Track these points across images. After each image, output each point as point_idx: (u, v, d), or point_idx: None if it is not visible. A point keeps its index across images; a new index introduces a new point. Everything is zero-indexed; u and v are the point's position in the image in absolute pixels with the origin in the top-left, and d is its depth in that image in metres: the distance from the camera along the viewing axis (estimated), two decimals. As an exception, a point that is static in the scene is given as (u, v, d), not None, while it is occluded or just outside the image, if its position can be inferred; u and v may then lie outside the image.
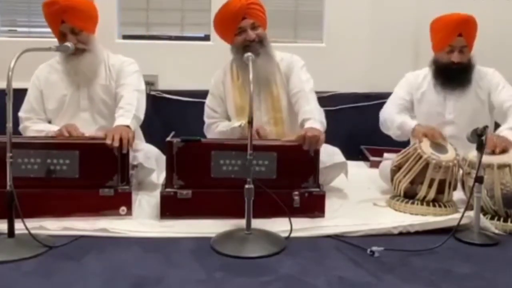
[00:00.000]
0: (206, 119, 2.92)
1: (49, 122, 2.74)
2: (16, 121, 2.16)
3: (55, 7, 2.56)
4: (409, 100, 2.98)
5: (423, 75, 2.98)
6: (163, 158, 2.52)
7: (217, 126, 2.85)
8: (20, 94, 2.28)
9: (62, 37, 2.60)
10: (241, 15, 2.67)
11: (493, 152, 2.40)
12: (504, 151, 2.42)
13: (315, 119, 2.56)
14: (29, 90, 2.75)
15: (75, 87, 2.71)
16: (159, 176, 2.77)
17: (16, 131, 2.48)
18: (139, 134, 2.90)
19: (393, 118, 2.90)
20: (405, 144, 2.83)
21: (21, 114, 2.73)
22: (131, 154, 2.50)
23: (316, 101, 2.75)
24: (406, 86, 3.00)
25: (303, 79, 2.77)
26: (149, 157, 2.70)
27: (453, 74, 2.83)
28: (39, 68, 2.78)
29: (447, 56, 2.81)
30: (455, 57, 2.79)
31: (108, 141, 2.30)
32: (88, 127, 2.68)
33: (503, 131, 2.62)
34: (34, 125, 2.69)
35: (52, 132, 2.60)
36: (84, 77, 2.69)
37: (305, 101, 2.68)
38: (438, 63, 2.88)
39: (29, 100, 2.73)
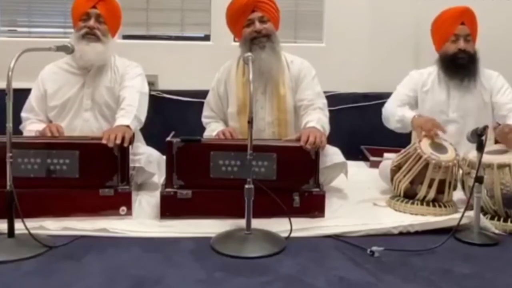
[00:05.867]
0: (202, 119, 2.92)
1: (50, 122, 2.73)
2: (16, 121, 2.17)
3: None
4: (413, 96, 2.97)
5: (428, 73, 2.98)
6: (164, 161, 2.51)
7: (207, 128, 2.86)
8: (20, 94, 2.28)
9: (85, 19, 2.64)
10: (251, 7, 2.69)
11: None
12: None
13: (317, 122, 2.57)
14: (32, 91, 2.76)
15: (80, 87, 2.71)
16: (160, 179, 2.75)
17: (17, 131, 2.49)
18: (140, 137, 2.90)
19: (393, 111, 2.91)
20: (405, 144, 2.82)
21: (22, 114, 2.74)
22: (132, 158, 2.50)
23: (328, 116, 2.75)
24: (410, 84, 2.99)
25: (316, 92, 2.78)
26: (150, 161, 2.69)
27: (461, 63, 2.82)
28: (45, 68, 2.79)
29: (453, 45, 2.82)
30: (462, 44, 2.80)
31: (105, 141, 2.31)
32: (89, 127, 2.69)
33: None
34: (29, 125, 2.70)
35: (37, 132, 2.59)
36: (90, 65, 2.68)
37: (314, 113, 2.68)
38: (445, 56, 2.87)
39: (30, 100, 2.74)
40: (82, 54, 2.64)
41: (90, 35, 2.63)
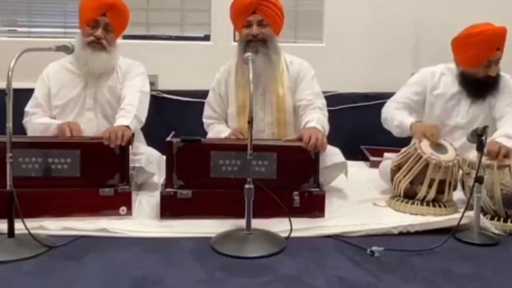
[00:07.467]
0: (204, 119, 2.92)
1: (54, 119, 2.74)
2: (16, 121, 2.17)
3: (107, 0, 2.63)
4: (416, 100, 2.89)
5: (440, 73, 2.88)
6: (164, 161, 2.51)
7: (212, 129, 2.85)
8: (20, 94, 2.27)
9: (93, 26, 2.63)
10: (252, 9, 2.67)
11: (496, 157, 2.38)
12: (506, 156, 2.39)
13: (318, 122, 2.56)
14: (37, 87, 2.76)
15: (83, 86, 2.72)
16: (160, 179, 2.74)
17: (17, 130, 2.48)
18: (141, 137, 2.90)
19: (392, 116, 2.85)
20: (405, 144, 2.82)
21: (27, 108, 2.73)
22: (132, 158, 2.50)
23: (327, 116, 2.74)
24: (418, 85, 2.90)
25: (315, 92, 2.77)
26: (150, 161, 2.69)
27: (488, 86, 2.76)
28: (49, 66, 2.79)
29: (483, 70, 2.73)
30: (493, 71, 2.72)
31: (105, 142, 2.31)
32: (92, 126, 2.69)
33: (497, 137, 2.55)
34: (38, 118, 2.69)
35: (54, 124, 2.61)
36: (91, 72, 2.69)
37: (314, 113, 2.67)
38: (470, 77, 2.77)
39: (36, 97, 2.74)
40: (87, 61, 2.66)
41: (96, 44, 2.63)
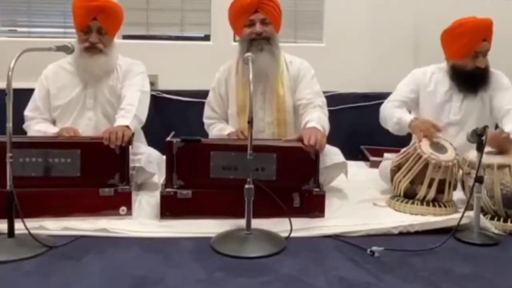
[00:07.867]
0: (204, 120, 2.92)
1: (54, 121, 2.75)
2: (16, 121, 2.17)
3: (95, 3, 2.60)
4: (412, 98, 2.93)
5: (431, 73, 2.93)
6: (164, 161, 2.51)
7: (214, 128, 2.85)
8: (20, 94, 2.28)
9: (86, 31, 2.62)
10: (254, 8, 2.67)
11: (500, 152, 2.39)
12: (504, 151, 2.40)
13: (318, 122, 2.56)
14: (35, 89, 2.76)
15: (83, 86, 2.72)
16: (160, 179, 2.74)
17: (18, 130, 2.49)
18: (141, 137, 2.90)
19: (391, 113, 2.87)
20: (405, 144, 2.82)
21: (26, 113, 2.74)
22: (132, 158, 2.51)
23: (327, 115, 2.74)
24: (412, 84, 2.94)
25: (315, 91, 2.77)
26: (150, 161, 2.70)
27: (477, 79, 2.79)
28: (48, 68, 2.79)
29: (472, 62, 2.75)
30: (481, 63, 2.75)
31: (105, 142, 2.32)
32: (92, 126, 2.70)
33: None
34: (36, 125, 2.70)
35: (50, 133, 2.62)
36: (92, 76, 2.70)
37: (314, 112, 2.67)
38: (460, 70, 2.80)
39: (35, 99, 2.74)
40: (86, 67, 2.66)
41: (93, 49, 2.63)
